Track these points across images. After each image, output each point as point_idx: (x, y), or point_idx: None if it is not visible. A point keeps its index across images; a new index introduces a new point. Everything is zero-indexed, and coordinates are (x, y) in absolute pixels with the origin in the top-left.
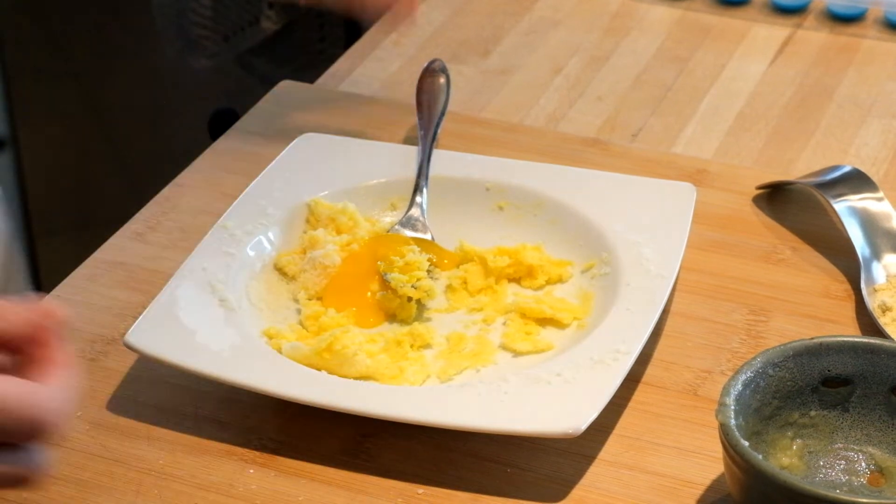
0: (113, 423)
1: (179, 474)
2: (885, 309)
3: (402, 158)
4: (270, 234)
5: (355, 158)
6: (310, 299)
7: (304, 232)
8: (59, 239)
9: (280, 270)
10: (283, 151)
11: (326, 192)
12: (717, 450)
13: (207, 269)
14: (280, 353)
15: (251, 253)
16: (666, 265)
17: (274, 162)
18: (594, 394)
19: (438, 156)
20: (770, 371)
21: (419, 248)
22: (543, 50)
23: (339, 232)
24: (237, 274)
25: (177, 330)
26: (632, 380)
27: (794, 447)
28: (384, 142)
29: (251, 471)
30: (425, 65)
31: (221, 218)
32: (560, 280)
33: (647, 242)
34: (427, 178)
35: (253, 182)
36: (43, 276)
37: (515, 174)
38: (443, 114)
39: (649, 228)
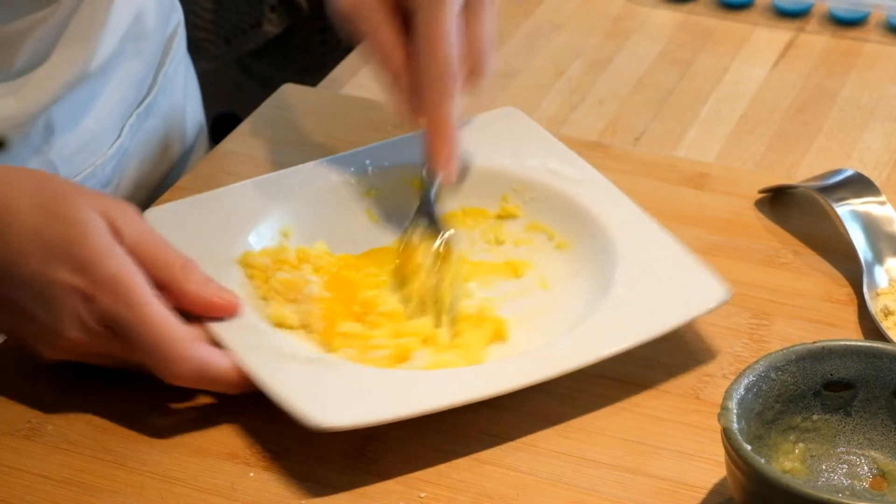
0: (115, 426)
1: (182, 477)
2: (887, 313)
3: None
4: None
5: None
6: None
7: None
8: None
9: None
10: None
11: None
12: (720, 454)
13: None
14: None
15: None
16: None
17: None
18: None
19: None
20: (772, 375)
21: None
22: (545, 53)
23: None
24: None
25: None
26: (633, 383)
27: (797, 451)
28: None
29: (252, 474)
30: None
31: None
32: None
33: (628, 317)
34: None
35: None
36: None
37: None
38: None
39: (658, 302)
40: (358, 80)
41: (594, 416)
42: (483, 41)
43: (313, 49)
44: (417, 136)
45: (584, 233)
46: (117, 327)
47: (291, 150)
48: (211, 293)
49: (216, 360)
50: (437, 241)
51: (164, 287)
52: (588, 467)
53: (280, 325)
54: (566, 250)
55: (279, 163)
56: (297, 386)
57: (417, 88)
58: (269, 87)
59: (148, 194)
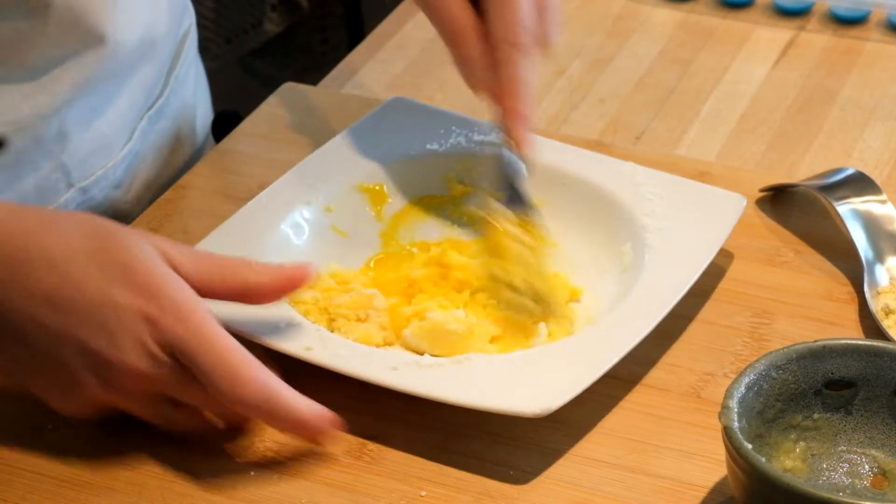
0: (116, 425)
1: (182, 477)
2: (888, 312)
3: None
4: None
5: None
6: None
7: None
8: None
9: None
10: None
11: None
12: (721, 452)
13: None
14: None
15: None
16: (685, 274)
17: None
18: (567, 383)
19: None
20: (773, 374)
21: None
22: None
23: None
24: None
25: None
26: (635, 382)
27: (798, 450)
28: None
29: (252, 474)
30: None
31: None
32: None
33: (675, 246)
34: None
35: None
36: None
37: (564, 159)
38: None
39: (683, 234)
40: (358, 78)
41: (595, 415)
42: (550, 11)
43: (314, 48)
44: (343, 144)
45: (550, 186)
46: (181, 351)
47: (292, 148)
48: (287, 271)
49: (286, 392)
50: (524, 220)
51: (243, 295)
52: (589, 466)
53: (367, 343)
54: (542, 207)
55: (280, 161)
56: (479, 388)
57: (490, 56)
58: (270, 86)
59: (158, 194)
